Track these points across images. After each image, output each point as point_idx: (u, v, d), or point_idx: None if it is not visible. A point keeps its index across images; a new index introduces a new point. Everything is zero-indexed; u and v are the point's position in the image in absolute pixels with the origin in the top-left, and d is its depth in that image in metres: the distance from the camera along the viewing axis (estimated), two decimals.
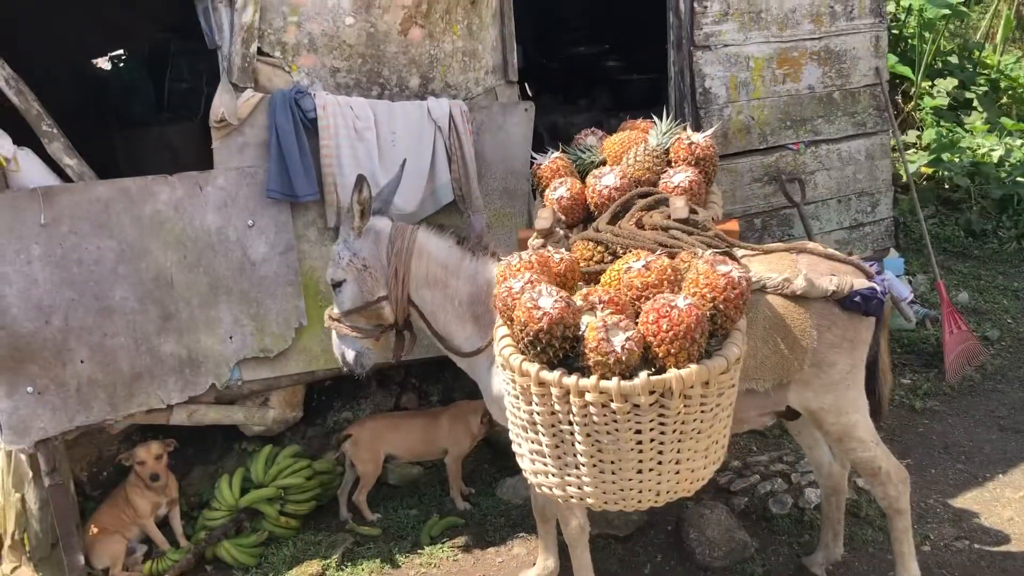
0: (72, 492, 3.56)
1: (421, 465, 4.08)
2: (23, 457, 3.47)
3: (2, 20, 3.49)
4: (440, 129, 3.79)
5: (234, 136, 3.51)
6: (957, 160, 7.50)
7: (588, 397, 2.15)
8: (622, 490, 2.31)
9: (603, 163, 3.13)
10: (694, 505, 3.54)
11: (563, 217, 2.93)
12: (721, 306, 2.26)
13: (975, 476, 3.96)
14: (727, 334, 2.31)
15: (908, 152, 7.69)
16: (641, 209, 2.78)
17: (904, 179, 5.64)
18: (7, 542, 3.56)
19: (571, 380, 2.16)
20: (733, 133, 4.61)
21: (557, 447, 2.30)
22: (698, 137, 3.04)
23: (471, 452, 3.95)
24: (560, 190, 2.92)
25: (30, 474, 3.48)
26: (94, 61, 6.73)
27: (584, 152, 3.17)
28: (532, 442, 2.36)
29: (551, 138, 6.44)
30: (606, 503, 2.35)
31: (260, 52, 3.51)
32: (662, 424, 2.21)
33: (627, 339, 2.13)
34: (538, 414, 2.27)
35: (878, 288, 2.85)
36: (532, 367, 2.21)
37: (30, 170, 3.28)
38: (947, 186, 7.35)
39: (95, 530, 3.60)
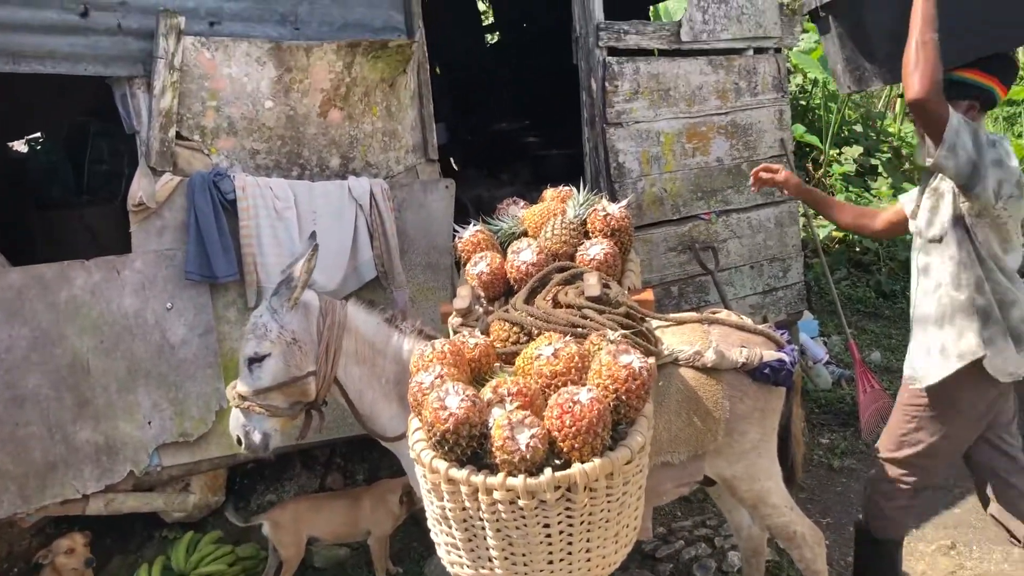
0: None
1: (348, 546, 4.02)
2: None
3: None
4: (361, 207, 3.85)
5: (152, 219, 3.52)
6: None
7: (496, 495, 2.19)
8: None
9: (524, 233, 3.18)
10: (620, 574, 3.57)
11: (483, 293, 2.97)
12: (623, 397, 2.31)
13: None
14: (633, 421, 2.37)
15: (818, 218, 8.01)
16: (557, 284, 2.84)
17: (814, 244, 5.87)
18: None
19: (479, 479, 2.19)
20: (647, 205, 4.78)
21: (470, 540, 2.33)
22: (613, 208, 3.10)
23: (397, 531, 3.92)
24: (480, 265, 2.94)
25: None
26: (10, 144, 6.66)
27: (505, 223, 3.21)
28: (446, 535, 2.38)
29: (476, 211, 6.56)
30: None
31: (179, 136, 3.54)
32: (569, 517, 2.25)
33: (531, 436, 2.18)
34: (450, 510, 2.29)
35: (787, 359, 2.95)
36: (441, 464, 2.23)
37: None
38: (858, 249, 7.67)
39: None
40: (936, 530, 4.07)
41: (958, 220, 2.88)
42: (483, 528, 2.28)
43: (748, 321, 3.14)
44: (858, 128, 10.03)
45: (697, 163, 4.93)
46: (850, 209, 3.51)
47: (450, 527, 2.34)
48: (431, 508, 2.38)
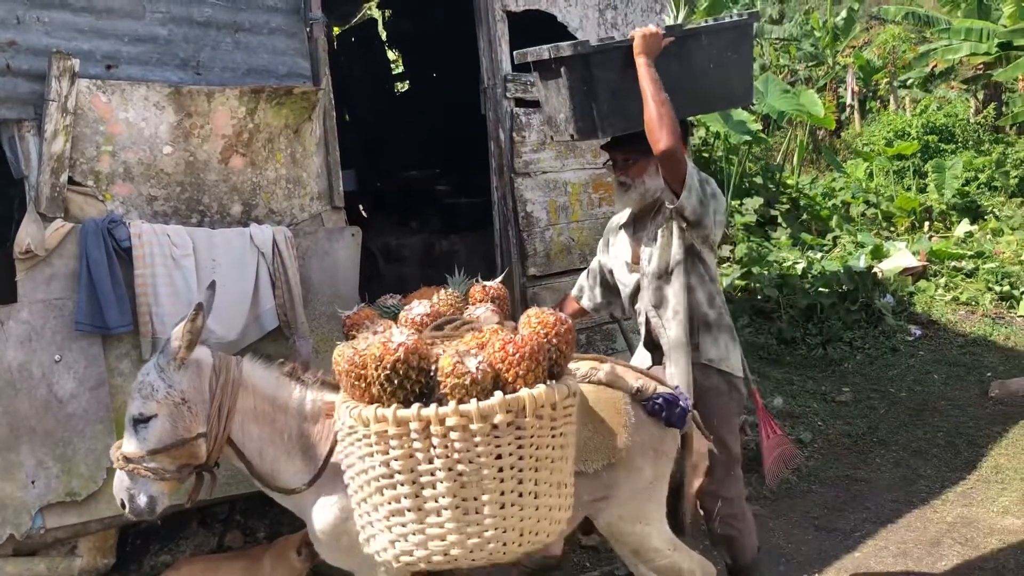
0: None
1: None
2: None
3: None
4: (263, 255, 3.77)
5: (41, 267, 3.36)
6: (766, 273, 8.09)
7: (449, 422, 2.26)
8: (487, 531, 2.36)
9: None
10: None
11: None
12: (554, 340, 2.48)
13: None
14: (561, 372, 2.52)
15: (722, 266, 8.23)
16: (454, 328, 2.86)
17: None
18: None
19: (430, 410, 2.27)
20: (555, 254, 4.81)
21: (417, 496, 2.36)
22: (491, 282, 3.33)
23: None
24: (374, 327, 2.94)
25: None
26: None
27: (388, 308, 3.25)
28: (389, 503, 2.39)
29: (384, 259, 6.52)
30: (471, 553, 2.37)
31: (71, 181, 3.41)
32: (520, 448, 2.35)
33: (480, 361, 2.31)
34: (396, 461, 2.33)
35: (681, 397, 3.02)
36: (388, 411, 2.29)
37: None
38: (759, 297, 7.88)
39: None
40: (837, 574, 4.15)
41: (689, 251, 3.28)
42: (433, 475, 2.32)
43: (645, 369, 3.27)
44: (759, 180, 10.40)
45: (603, 212, 5.00)
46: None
47: (394, 488, 2.36)
48: (368, 480, 2.40)
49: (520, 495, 2.39)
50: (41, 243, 3.33)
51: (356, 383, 2.40)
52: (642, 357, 3.54)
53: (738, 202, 9.51)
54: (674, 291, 3.29)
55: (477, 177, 5.64)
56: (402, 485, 2.36)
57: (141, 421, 2.74)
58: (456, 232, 6.45)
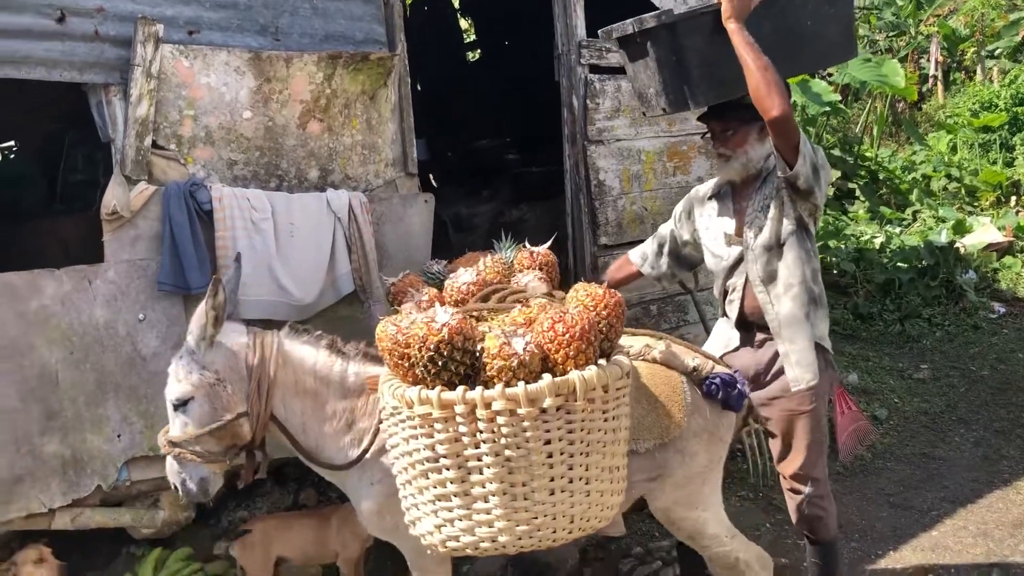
0: None
1: (322, 567, 3.94)
2: None
3: None
4: (340, 220, 3.81)
5: (126, 229, 3.46)
6: (843, 247, 7.90)
7: (496, 406, 2.16)
8: (535, 518, 2.27)
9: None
10: None
11: None
12: (604, 313, 2.37)
13: (868, 554, 4.06)
14: (611, 350, 2.41)
15: None
16: (501, 299, 2.79)
17: None
18: None
19: (476, 393, 2.17)
20: (627, 223, 4.77)
21: (464, 481, 2.27)
22: (539, 248, 3.21)
23: (369, 555, 3.83)
24: (419, 295, 2.90)
25: None
26: None
27: (433, 275, 3.19)
28: (434, 487, 2.31)
29: (455, 228, 6.55)
30: (520, 540, 2.29)
31: (155, 145, 3.49)
32: (570, 433, 2.25)
33: (527, 343, 2.19)
34: (441, 445, 2.24)
35: (739, 380, 2.94)
36: (432, 392, 2.20)
37: None
38: (835, 271, 7.71)
39: None
40: (913, 553, 4.06)
41: (798, 223, 3.13)
42: (479, 460, 2.23)
43: (704, 350, 3.18)
44: (836, 152, 10.13)
45: (677, 182, 4.94)
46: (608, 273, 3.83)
47: (440, 472, 2.28)
48: (413, 463, 2.32)
49: (570, 481, 2.29)
50: (126, 205, 3.42)
51: (400, 362, 2.31)
52: (726, 335, 3.40)
53: None
54: (787, 264, 3.14)
55: (548, 146, 5.62)
56: (448, 470, 2.26)
57: (180, 405, 2.72)
58: (526, 201, 6.44)
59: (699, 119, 3.42)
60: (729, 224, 3.33)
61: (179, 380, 2.71)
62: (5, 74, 3.22)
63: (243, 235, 3.57)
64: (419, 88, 7.91)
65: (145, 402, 3.52)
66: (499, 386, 2.16)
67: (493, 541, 2.28)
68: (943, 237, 8.06)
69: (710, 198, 3.47)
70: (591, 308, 2.37)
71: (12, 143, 6.51)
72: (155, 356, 3.51)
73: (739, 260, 3.28)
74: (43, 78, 3.30)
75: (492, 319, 2.50)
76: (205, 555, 3.87)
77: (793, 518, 3.43)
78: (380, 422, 2.68)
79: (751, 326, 3.30)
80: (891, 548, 4.08)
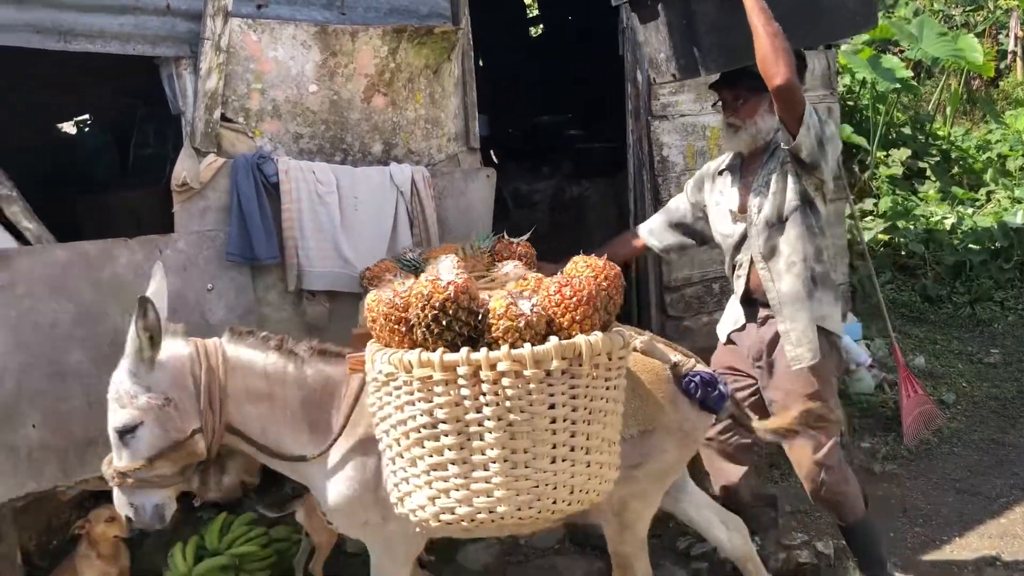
0: (19, 562, 3.46)
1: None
2: None
3: None
4: (402, 194, 3.84)
5: (196, 200, 3.53)
6: (912, 228, 7.71)
7: (501, 367, 2.11)
8: (536, 487, 2.20)
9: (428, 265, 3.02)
10: (654, 571, 3.52)
11: None
12: (604, 284, 2.32)
13: (933, 539, 3.98)
14: (610, 324, 2.36)
15: (865, 219, 7.88)
16: (484, 285, 2.72)
17: (860, 246, 5.77)
18: None
19: (481, 354, 2.12)
20: None
21: (462, 448, 2.20)
22: (518, 239, 3.18)
23: None
24: (397, 282, 2.70)
25: None
26: (59, 126, 6.75)
27: (408, 262, 3.11)
28: (430, 455, 2.24)
29: (514, 204, 6.54)
30: (519, 511, 2.21)
31: (223, 118, 3.55)
32: (574, 399, 2.21)
33: (534, 304, 2.16)
34: (440, 409, 2.18)
35: (720, 381, 2.86)
36: (434, 355, 2.14)
37: None
38: (903, 253, 7.53)
39: None
40: (980, 539, 3.97)
41: (802, 198, 3.09)
42: (481, 424, 2.17)
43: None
44: (906, 130, 9.86)
45: None
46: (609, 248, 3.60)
47: (437, 439, 2.21)
48: (407, 433, 2.24)
49: (572, 449, 2.23)
50: (196, 177, 3.49)
51: (396, 327, 2.24)
52: (735, 313, 3.38)
53: (884, 153, 9.05)
54: (788, 241, 3.12)
55: (610, 122, 5.57)
56: (446, 436, 2.20)
57: (127, 432, 2.55)
58: (588, 177, 6.40)
59: (710, 87, 3.36)
60: (734, 200, 3.30)
61: (123, 406, 2.54)
62: (82, 48, 3.30)
63: (308, 207, 3.62)
64: (481, 63, 7.91)
65: None
66: (505, 347, 2.12)
67: (491, 512, 2.21)
68: (1019, 218, 7.80)
69: (720, 173, 3.41)
70: (592, 277, 2.33)
71: (87, 116, 6.67)
72: (223, 324, 3.56)
73: (745, 236, 3.25)
74: (117, 51, 3.37)
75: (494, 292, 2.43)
76: (270, 520, 3.96)
77: (814, 503, 3.40)
78: (350, 413, 2.63)
79: (755, 303, 3.27)
80: (956, 534, 3.99)
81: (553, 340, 2.14)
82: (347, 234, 3.70)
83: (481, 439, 2.17)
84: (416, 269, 2.91)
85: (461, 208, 4.08)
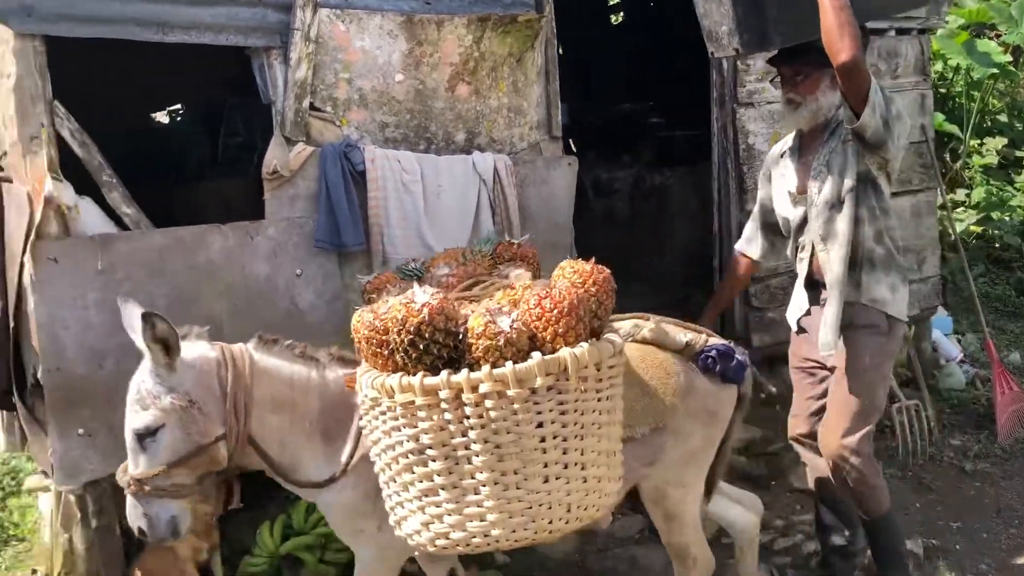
0: (118, 535, 3.61)
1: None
2: (72, 498, 3.53)
3: (69, 76, 3.65)
4: (485, 182, 3.87)
5: (285, 188, 3.61)
6: (1007, 219, 7.42)
7: (483, 388, 2.01)
8: (530, 508, 2.11)
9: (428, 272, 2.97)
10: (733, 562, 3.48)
11: None
12: (593, 289, 2.21)
13: None
14: (600, 325, 2.26)
15: (957, 210, 7.62)
16: (483, 289, 2.60)
17: (952, 237, 5.58)
18: None
19: (461, 376, 2.02)
20: None
21: (451, 472, 2.11)
22: (520, 239, 3.11)
23: None
24: (395, 291, 2.59)
25: (78, 515, 3.54)
26: (153, 115, 6.98)
27: (409, 271, 2.99)
28: (420, 481, 2.15)
29: (595, 193, 6.53)
30: (514, 533, 2.12)
31: (312, 107, 3.62)
32: (563, 415, 2.10)
33: (514, 320, 2.06)
34: (425, 435, 2.09)
35: (736, 350, 2.82)
36: (414, 379, 2.05)
37: (90, 218, 3.39)
38: (997, 245, 7.27)
39: (139, 574, 3.64)
40: None
41: (862, 177, 3.00)
42: (468, 447, 2.07)
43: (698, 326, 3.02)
44: (1002, 118, 9.47)
45: None
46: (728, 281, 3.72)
47: (425, 464, 2.12)
48: (396, 458, 2.17)
49: (565, 466, 2.13)
50: (286, 165, 3.57)
51: (378, 351, 2.15)
52: (800, 298, 3.30)
53: (978, 142, 8.72)
54: (847, 221, 3.03)
55: (692, 109, 5.50)
56: (434, 461, 2.11)
57: (148, 435, 2.45)
58: (669, 166, 6.34)
59: (768, 61, 3.26)
60: (793, 181, 3.21)
61: (144, 407, 2.45)
62: (178, 39, 3.40)
63: (394, 195, 3.67)
64: (561, 51, 7.88)
65: None
66: (486, 367, 2.02)
67: (486, 535, 2.13)
68: None
69: (783, 155, 3.32)
70: (579, 285, 2.21)
71: (179, 106, 6.89)
72: (311, 309, 3.67)
73: (805, 219, 3.16)
74: (211, 42, 3.46)
75: (475, 306, 2.31)
76: None
77: (839, 491, 3.30)
78: (359, 430, 2.53)
79: (818, 285, 3.18)
80: None
81: (536, 356, 2.05)
82: (431, 222, 3.74)
83: (469, 463, 2.09)
84: (418, 278, 2.79)
85: (543, 196, 4.08)
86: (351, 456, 2.60)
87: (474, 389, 2.02)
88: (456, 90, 3.86)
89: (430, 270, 2.80)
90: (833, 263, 3.06)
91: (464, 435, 2.06)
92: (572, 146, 7.74)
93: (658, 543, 3.07)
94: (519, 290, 2.24)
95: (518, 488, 2.09)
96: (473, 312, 2.11)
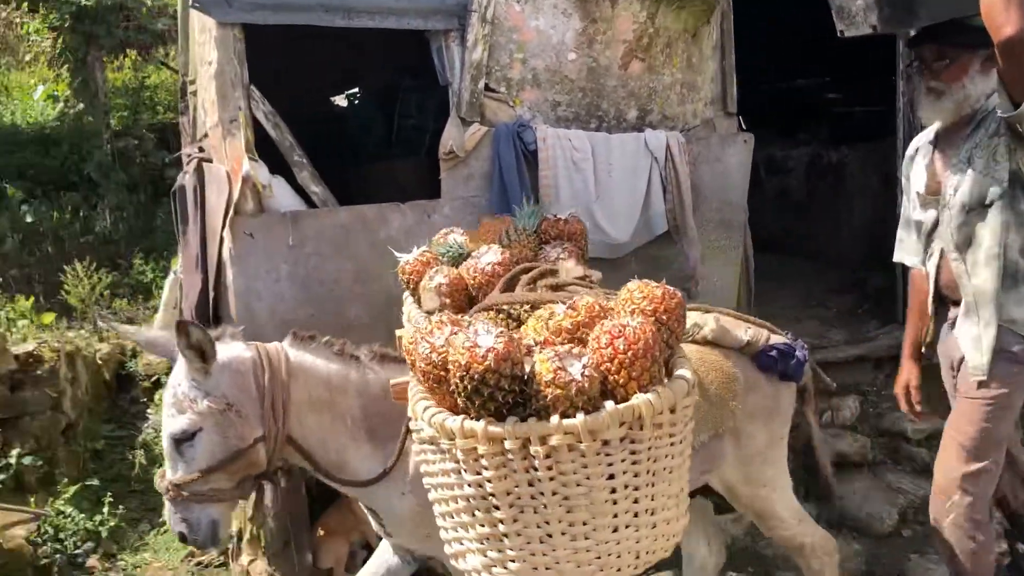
0: (304, 494, 3.84)
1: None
2: None
3: (264, 63, 3.87)
4: (656, 160, 3.83)
5: (460, 168, 3.71)
6: None
7: (553, 441, 1.88)
8: (599, 559, 2.00)
9: (470, 254, 2.73)
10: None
11: (448, 300, 2.50)
12: (664, 318, 2.04)
13: None
14: (671, 356, 2.09)
15: None
16: (530, 280, 2.43)
17: None
18: (246, 536, 3.89)
19: (528, 426, 1.88)
20: None
21: (516, 520, 1.99)
22: (565, 214, 2.86)
23: None
24: (437, 278, 2.52)
25: None
26: (333, 99, 7.31)
27: (450, 248, 2.78)
28: (482, 525, 2.04)
29: (766, 171, 6.33)
30: None
31: (487, 88, 3.70)
32: (635, 464, 1.97)
33: (585, 366, 1.89)
34: (489, 483, 1.97)
35: (797, 347, 2.66)
36: (477, 425, 1.90)
37: (281, 196, 3.61)
38: None
39: (322, 532, 3.86)
40: None
41: (1015, 178, 2.59)
42: (534, 497, 1.95)
43: (754, 318, 2.84)
44: None
45: None
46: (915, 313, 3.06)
47: (488, 511, 2.01)
48: (456, 499, 2.06)
49: (635, 515, 2.00)
50: (461, 145, 3.66)
51: (435, 386, 2.02)
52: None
53: None
54: (991, 229, 2.62)
55: (871, 84, 5.24)
56: (497, 509, 1.98)
57: (185, 440, 2.40)
58: (848, 143, 6.07)
59: (907, 44, 2.87)
60: (921, 180, 2.83)
61: (182, 411, 2.39)
62: (363, 24, 3.55)
63: (564, 175, 3.70)
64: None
65: None
66: (555, 417, 1.87)
67: None
68: None
69: (916, 151, 2.93)
70: (650, 313, 2.03)
71: (356, 89, 7.17)
72: None
73: (936, 223, 2.78)
74: (394, 27, 3.60)
75: (529, 317, 2.17)
76: None
77: (932, 528, 2.88)
78: (408, 431, 2.43)
79: (945, 301, 2.82)
80: None
81: (609, 405, 1.89)
82: (601, 200, 3.75)
83: (535, 512, 1.96)
84: (458, 257, 2.64)
85: (717, 174, 4.01)
86: (399, 454, 2.53)
87: (543, 441, 1.90)
88: (629, 67, 3.84)
89: (473, 256, 2.58)
90: (977, 274, 2.69)
91: (531, 484, 1.95)
92: (741, 123, 7.54)
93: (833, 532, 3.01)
94: (582, 311, 2.06)
95: (586, 539, 1.99)
96: (539, 351, 1.96)
